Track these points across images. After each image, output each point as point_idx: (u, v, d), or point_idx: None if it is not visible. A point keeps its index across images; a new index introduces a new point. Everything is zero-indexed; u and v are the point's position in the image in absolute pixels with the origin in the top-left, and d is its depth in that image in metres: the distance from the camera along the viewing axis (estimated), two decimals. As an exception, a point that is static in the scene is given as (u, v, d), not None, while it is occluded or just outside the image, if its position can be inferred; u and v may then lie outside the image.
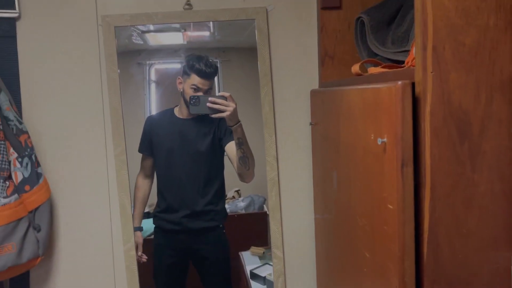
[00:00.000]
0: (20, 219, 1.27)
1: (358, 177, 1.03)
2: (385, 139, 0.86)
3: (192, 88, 1.49)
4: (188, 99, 1.48)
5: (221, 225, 1.59)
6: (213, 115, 1.44)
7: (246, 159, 1.50)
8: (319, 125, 1.38)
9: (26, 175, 1.31)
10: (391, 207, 0.86)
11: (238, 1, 1.46)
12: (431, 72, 0.81)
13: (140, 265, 1.53)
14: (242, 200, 1.74)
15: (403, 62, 1.09)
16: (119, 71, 1.45)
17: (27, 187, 1.31)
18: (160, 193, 1.56)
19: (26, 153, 1.32)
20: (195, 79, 1.48)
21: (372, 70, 1.08)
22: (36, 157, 1.35)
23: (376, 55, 1.27)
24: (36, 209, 1.33)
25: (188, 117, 1.51)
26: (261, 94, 1.48)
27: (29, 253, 1.29)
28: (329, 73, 1.45)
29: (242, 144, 1.48)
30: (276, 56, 1.49)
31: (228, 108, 1.43)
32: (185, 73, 1.50)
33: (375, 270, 0.96)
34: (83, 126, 1.45)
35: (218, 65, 1.56)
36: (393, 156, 0.83)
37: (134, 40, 1.51)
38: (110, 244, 1.49)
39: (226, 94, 1.44)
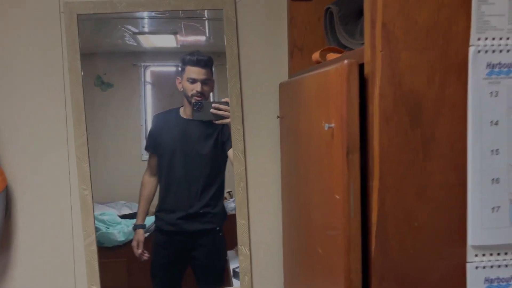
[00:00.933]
0: (-31, 210, 1.22)
1: (312, 169, 0.98)
2: (332, 125, 0.80)
3: (188, 81, 1.47)
4: (188, 94, 1.47)
5: (218, 228, 1.55)
6: (217, 121, 1.44)
7: None
8: (286, 118, 1.32)
9: (-22, 164, 1.26)
10: (338, 197, 0.80)
11: (206, -10, 1.41)
12: (380, 51, 0.75)
13: (135, 263, 1.53)
14: (233, 201, 1.71)
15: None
16: (105, 75, 1.42)
17: (-21, 177, 1.26)
18: (160, 192, 1.54)
19: (-21, 141, 1.27)
20: (189, 71, 1.47)
21: (331, 56, 1.03)
22: (-9, 146, 1.30)
23: (346, 47, 1.22)
24: (-11, 200, 1.28)
25: (192, 118, 1.47)
26: (228, 86, 1.43)
27: (-22, 246, 1.23)
28: (298, 65, 1.39)
29: None
30: (244, 47, 1.44)
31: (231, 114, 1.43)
32: (181, 69, 1.49)
33: (327, 267, 0.90)
34: (44, 116, 1.40)
35: (213, 69, 1.52)
36: (340, 143, 0.78)
37: (127, 41, 1.49)
38: (71, 238, 1.43)
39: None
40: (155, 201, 1.56)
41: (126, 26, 1.47)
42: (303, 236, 1.10)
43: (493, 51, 0.74)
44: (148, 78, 1.54)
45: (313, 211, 0.98)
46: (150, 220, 1.56)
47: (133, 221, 1.56)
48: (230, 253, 1.64)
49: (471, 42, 0.75)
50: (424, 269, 0.78)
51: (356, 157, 0.76)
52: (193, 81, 1.47)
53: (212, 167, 1.52)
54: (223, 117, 1.44)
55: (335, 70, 0.78)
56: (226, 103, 1.44)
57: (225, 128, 1.47)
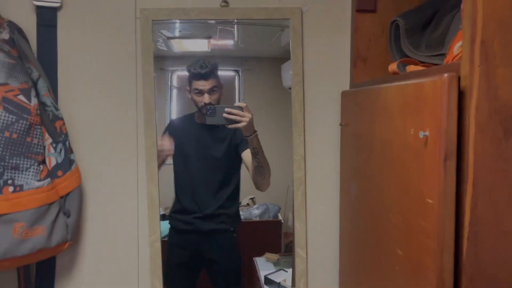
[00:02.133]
0: (51, 203, 1.28)
1: (392, 174, 1.03)
2: (427, 133, 0.86)
3: (195, 92, 1.53)
4: (198, 105, 1.53)
5: (232, 229, 1.61)
6: (229, 126, 1.47)
7: (262, 169, 1.52)
8: (350, 126, 1.38)
9: (60, 160, 1.32)
10: (430, 201, 0.85)
11: (273, 1, 1.47)
12: (479, 66, 0.81)
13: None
14: (257, 208, 1.76)
15: (437, 65, 1.09)
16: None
17: (59, 173, 1.32)
18: (176, 194, 1.59)
19: (61, 139, 1.34)
20: (195, 84, 1.53)
21: (412, 68, 1.09)
22: (69, 144, 1.37)
23: (409, 58, 1.27)
24: (67, 194, 1.34)
25: (205, 123, 1.52)
26: (292, 93, 1.49)
27: (58, 238, 1.29)
28: (361, 75, 1.45)
29: (258, 154, 1.51)
30: (308, 56, 1.50)
31: (244, 119, 1.46)
32: (188, 81, 1.55)
33: (409, 267, 0.95)
34: (116, 117, 1.47)
35: (240, 73, 1.59)
36: (436, 150, 0.83)
37: (159, 46, 1.53)
38: (136, 234, 1.49)
39: (242, 104, 1.48)
40: (169, 204, 1.61)
41: (161, 31, 1.52)
42: (375, 238, 1.15)
43: None
44: (175, 82, 1.59)
45: (391, 214, 1.03)
46: (165, 225, 1.59)
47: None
48: (259, 259, 1.69)
49: None
50: (513, 271, 0.83)
51: (453, 164, 0.82)
52: (200, 92, 1.52)
53: (226, 170, 1.58)
54: (236, 121, 1.47)
55: (434, 83, 0.84)
56: (239, 108, 1.47)
57: (238, 131, 1.51)
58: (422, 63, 1.21)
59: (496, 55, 0.81)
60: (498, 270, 0.83)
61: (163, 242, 1.55)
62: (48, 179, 1.28)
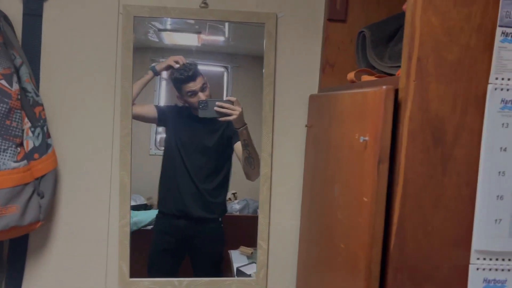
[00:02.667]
0: (26, 184, 1.35)
1: (341, 174, 1.12)
2: (367, 138, 0.95)
3: (188, 95, 1.60)
4: (194, 105, 1.59)
5: (220, 219, 1.69)
6: (221, 119, 1.57)
7: (252, 160, 1.61)
8: (313, 127, 1.47)
9: (37, 144, 1.40)
10: (366, 199, 0.95)
11: (251, 5, 1.55)
12: (414, 81, 0.90)
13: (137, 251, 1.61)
14: (238, 203, 1.83)
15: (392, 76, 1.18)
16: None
17: (36, 155, 1.39)
18: (167, 181, 1.65)
19: (39, 124, 1.41)
20: (186, 87, 1.60)
21: (366, 78, 1.18)
22: (47, 129, 1.44)
23: (374, 67, 1.37)
24: (42, 177, 1.41)
25: (198, 115, 1.59)
26: (263, 94, 1.57)
27: (31, 217, 1.37)
28: (328, 81, 1.54)
29: (248, 146, 1.60)
30: (280, 60, 1.58)
31: (234, 112, 1.56)
32: (177, 88, 1.61)
33: (348, 259, 1.04)
34: (94, 106, 1.54)
35: (229, 69, 1.66)
36: (372, 153, 0.92)
37: (150, 38, 1.59)
38: (107, 218, 1.57)
39: (233, 98, 1.57)
40: (152, 194, 1.66)
41: (152, 22, 1.57)
42: (325, 233, 1.24)
43: (508, 90, 0.89)
44: (164, 74, 1.62)
45: (338, 211, 1.12)
46: (143, 214, 1.65)
47: (137, 213, 1.63)
48: (233, 252, 1.77)
49: (490, 81, 0.89)
50: (433, 266, 0.92)
51: (385, 167, 0.91)
52: (193, 93, 1.60)
53: (217, 159, 1.66)
54: (227, 114, 1.56)
55: (374, 93, 0.93)
56: (229, 102, 1.57)
57: (231, 123, 1.59)
58: (383, 73, 1.30)
59: (429, 72, 0.90)
60: (420, 264, 0.92)
61: (146, 231, 1.63)
62: (25, 161, 1.36)
